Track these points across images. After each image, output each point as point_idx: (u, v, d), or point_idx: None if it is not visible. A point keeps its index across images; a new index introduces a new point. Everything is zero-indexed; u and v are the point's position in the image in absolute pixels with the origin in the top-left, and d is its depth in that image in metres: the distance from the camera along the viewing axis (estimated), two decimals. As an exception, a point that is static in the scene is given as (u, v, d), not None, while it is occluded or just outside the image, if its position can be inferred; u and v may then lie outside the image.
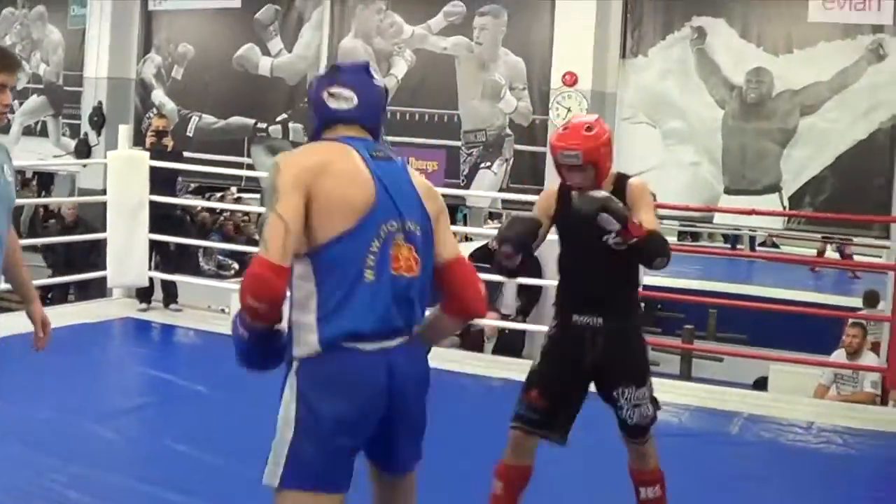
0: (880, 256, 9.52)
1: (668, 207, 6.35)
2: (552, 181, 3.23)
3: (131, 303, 6.76)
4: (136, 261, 6.48)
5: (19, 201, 2.67)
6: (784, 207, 6.77)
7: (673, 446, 3.10)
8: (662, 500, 3.04)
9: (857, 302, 8.69)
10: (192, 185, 10.49)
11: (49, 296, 8.09)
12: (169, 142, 7.04)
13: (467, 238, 11.10)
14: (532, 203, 3.29)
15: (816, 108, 6.66)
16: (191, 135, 8.81)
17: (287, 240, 1.93)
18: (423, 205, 2.12)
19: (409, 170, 2.19)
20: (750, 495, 3.84)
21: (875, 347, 6.57)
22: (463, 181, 7.67)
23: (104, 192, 6.76)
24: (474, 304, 2.19)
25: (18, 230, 2.64)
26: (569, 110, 7.05)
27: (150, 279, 6.66)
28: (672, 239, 10.37)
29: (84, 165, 8.84)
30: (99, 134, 9.00)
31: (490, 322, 6.71)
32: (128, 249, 6.45)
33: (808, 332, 7.49)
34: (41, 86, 9.73)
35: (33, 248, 8.21)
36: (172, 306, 6.70)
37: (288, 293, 1.99)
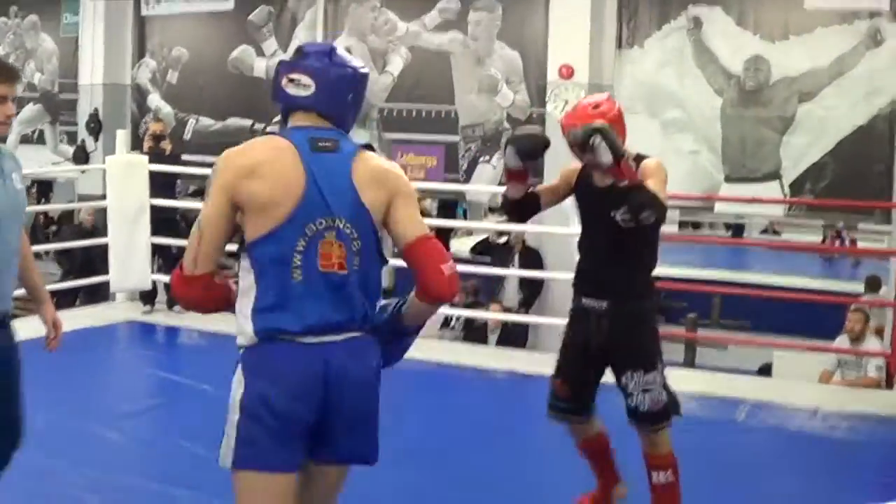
0: (882, 242, 9.52)
1: (669, 197, 6.32)
2: (551, 174, 3.25)
3: (135, 306, 6.78)
4: (139, 264, 6.49)
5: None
6: (785, 195, 6.76)
7: (679, 434, 3.09)
8: (675, 486, 3.03)
9: (858, 287, 8.69)
10: (192, 188, 10.48)
11: (55, 300, 8.06)
12: (167, 145, 7.04)
13: (468, 232, 11.11)
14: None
15: (815, 95, 6.65)
16: (188, 137, 8.81)
17: (200, 249, 2.08)
18: (358, 199, 2.07)
19: (362, 158, 2.11)
20: (757, 481, 3.83)
21: (880, 331, 6.57)
22: (462, 176, 7.67)
23: (104, 197, 6.77)
24: (437, 287, 2.10)
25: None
26: (566, 102, 7.04)
27: (154, 282, 6.68)
28: (673, 229, 10.39)
29: (83, 171, 8.84)
30: (96, 140, 9.00)
31: (493, 315, 6.78)
32: (130, 253, 6.46)
33: (812, 318, 7.48)
34: (37, 94, 9.73)
35: (37, 256, 8.17)
36: (176, 308, 6.70)
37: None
